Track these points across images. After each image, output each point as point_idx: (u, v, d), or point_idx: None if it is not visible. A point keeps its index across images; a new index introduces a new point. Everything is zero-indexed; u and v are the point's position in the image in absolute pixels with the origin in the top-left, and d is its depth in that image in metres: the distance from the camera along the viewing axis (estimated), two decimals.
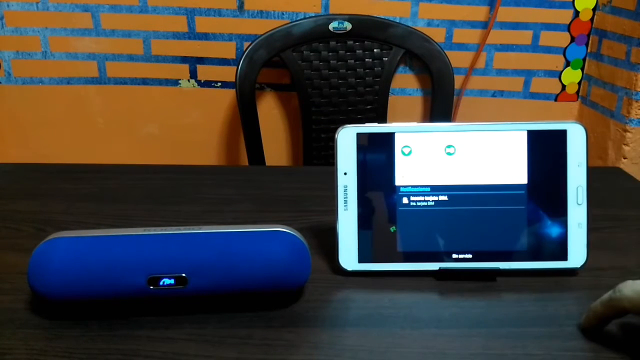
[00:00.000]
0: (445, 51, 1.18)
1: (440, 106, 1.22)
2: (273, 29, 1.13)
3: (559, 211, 0.52)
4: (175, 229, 0.46)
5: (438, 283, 0.52)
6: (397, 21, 1.20)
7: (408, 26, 1.18)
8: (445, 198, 0.53)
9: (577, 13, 1.24)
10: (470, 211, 0.53)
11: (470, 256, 0.52)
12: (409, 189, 0.53)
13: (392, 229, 0.53)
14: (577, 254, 0.52)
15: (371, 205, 0.53)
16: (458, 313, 0.47)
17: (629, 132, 1.15)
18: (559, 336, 0.44)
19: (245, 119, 1.15)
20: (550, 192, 0.53)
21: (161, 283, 0.45)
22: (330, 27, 1.15)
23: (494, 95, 1.31)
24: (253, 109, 1.16)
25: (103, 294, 0.45)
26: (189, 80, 1.26)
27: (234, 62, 1.22)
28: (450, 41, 1.25)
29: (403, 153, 0.53)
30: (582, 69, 1.29)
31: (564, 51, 1.27)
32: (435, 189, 0.53)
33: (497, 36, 1.25)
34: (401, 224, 0.53)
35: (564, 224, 0.52)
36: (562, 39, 1.26)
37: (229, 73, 1.24)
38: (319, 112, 1.19)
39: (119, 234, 0.45)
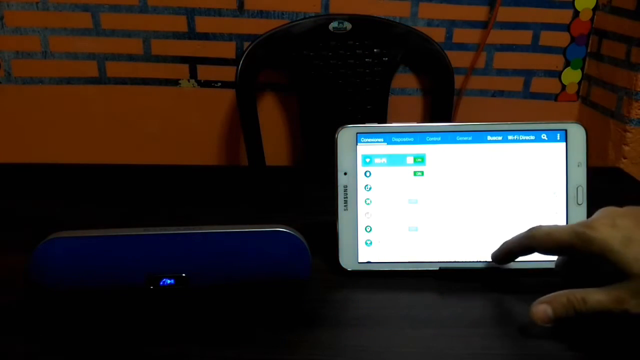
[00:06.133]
0: (445, 51, 1.18)
1: (440, 106, 1.22)
2: (273, 29, 1.13)
3: (559, 211, 0.52)
4: (175, 229, 0.46)
5: (438, 283, 0.51)
6: (397, 21, 1.20)
7: (408, 26, 1.18)
8: None
9: (577, 13, 1.24)
10: (470, 212, 0.53)
11: (470, 256, 0.52)
12: None
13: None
14: None
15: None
16: (458, 313, 0.47)
17: (629, 132, 1.15)
18: (559, 336, 0.44)
19: (245, 119, 1.15)
20: (550, 192, 0.53)
21: (161, 283, 0.45)
22: (330, 27, 1.15)
23: (494, 95, 1.31)
24: (253, 109, 1.16)
25: (103, 294, 0.45)
26: (189, 80, 1.26)
27: (234, 62, 1.22)
28: (450, 41, 1.25)
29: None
30: (582, 69, 1.29)
31: (564, 51, 1.27)
32: None
33: (497, 36, 1.25)
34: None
35: (564, 224, 0.52)
36: (562, 39, 1.26)
37: (229, 73, 1.24)
38: (319, 112, 1.19)
39: (119, 234, 0.45)
